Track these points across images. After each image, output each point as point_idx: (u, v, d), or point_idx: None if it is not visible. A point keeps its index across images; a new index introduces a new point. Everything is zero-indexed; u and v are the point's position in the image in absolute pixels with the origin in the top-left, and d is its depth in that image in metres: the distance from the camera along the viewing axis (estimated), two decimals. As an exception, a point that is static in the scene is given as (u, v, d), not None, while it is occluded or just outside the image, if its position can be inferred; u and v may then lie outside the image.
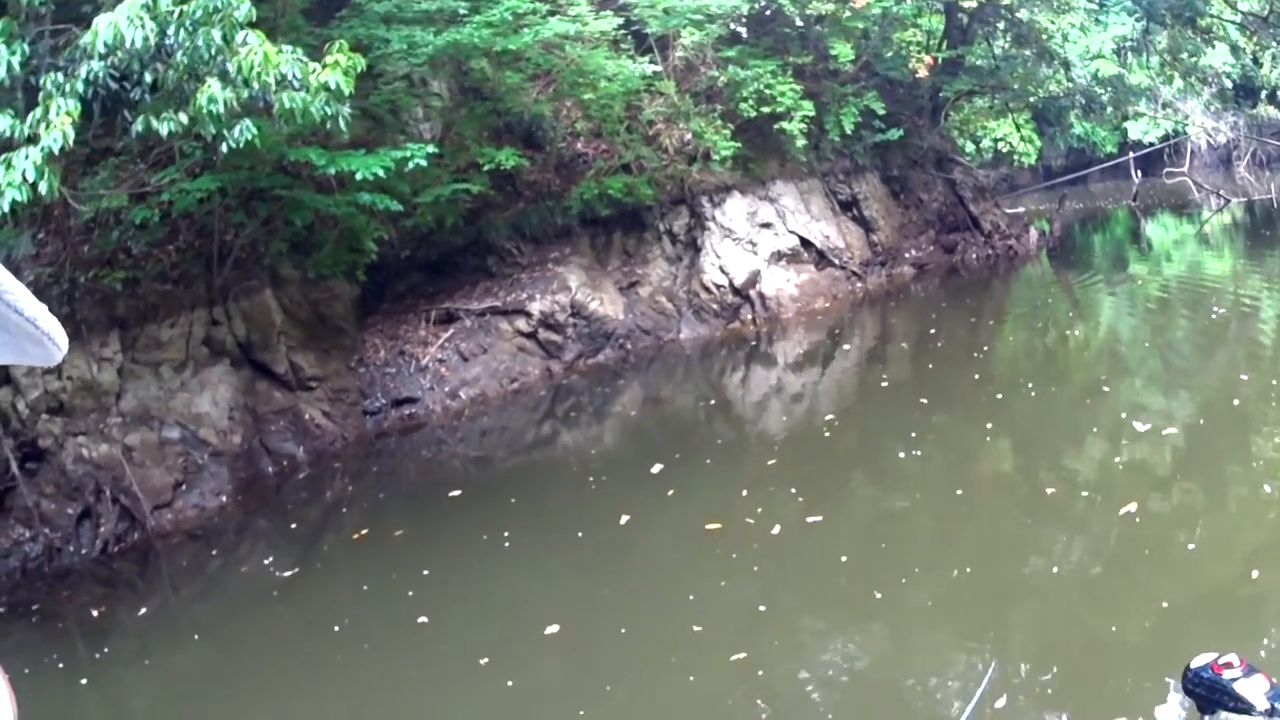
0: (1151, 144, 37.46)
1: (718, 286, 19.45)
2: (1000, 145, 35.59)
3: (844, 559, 9.40)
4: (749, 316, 19.65)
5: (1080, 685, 7.07)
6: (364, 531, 11.70)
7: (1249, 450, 11.35)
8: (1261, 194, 33.15)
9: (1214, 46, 30.93)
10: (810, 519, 10.20)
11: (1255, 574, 8.14)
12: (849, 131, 20.99)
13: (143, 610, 10.50)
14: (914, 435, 12.52)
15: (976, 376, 15.39)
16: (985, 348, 17.71)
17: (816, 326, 19.39)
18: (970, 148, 33.91)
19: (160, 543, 11.95)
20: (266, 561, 11.21)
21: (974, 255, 23.66)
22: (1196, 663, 3.16)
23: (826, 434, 13.62)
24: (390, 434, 15.40)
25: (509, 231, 18.36)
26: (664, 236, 19.85)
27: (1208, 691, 3.09)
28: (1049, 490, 10.63)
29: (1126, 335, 18.92)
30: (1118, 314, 20.57)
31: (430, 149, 14.34)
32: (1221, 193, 33.07)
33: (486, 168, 16.74)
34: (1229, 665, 3.06)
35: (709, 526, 10.04)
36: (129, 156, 13.20)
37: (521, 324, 17.35)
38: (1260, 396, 12.92)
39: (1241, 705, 2.97)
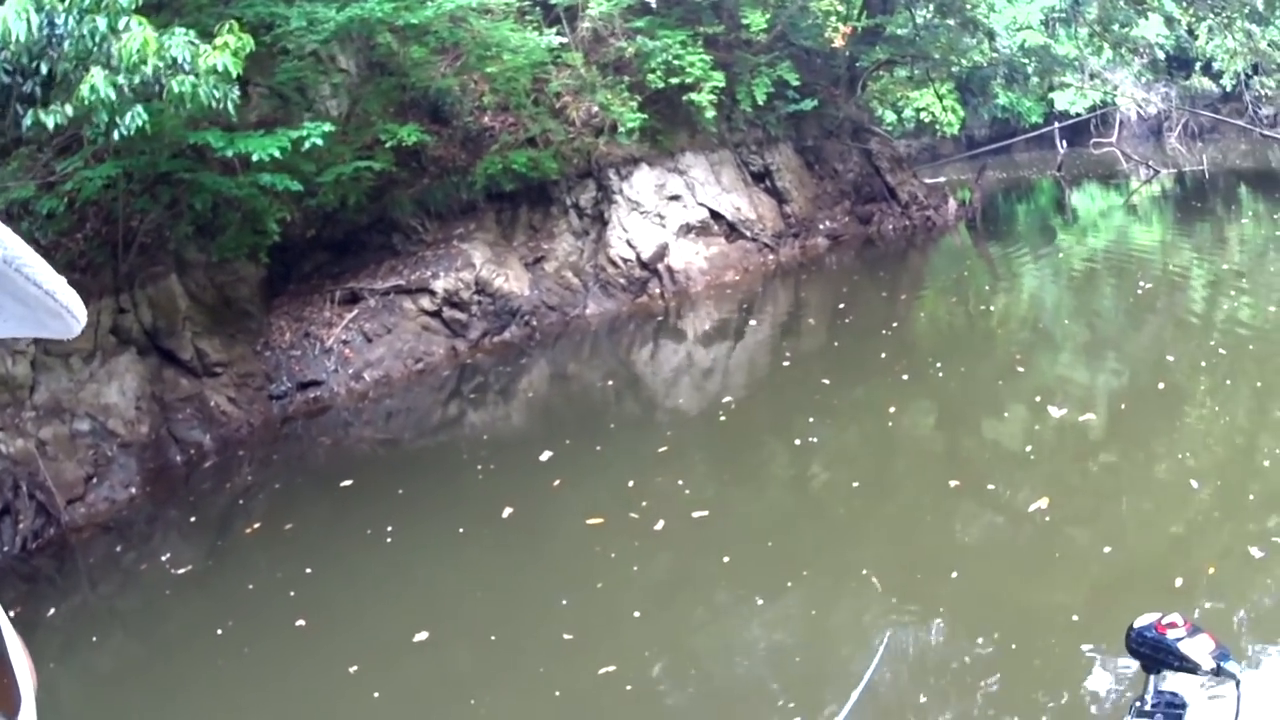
0: (1078, 114, 37.59)
1: (625, 260, 19.43)
2: (922, 115, 35.53)
3: (727, 559, 9.03)
4: (657, 290, 19.62)
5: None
6: (257, 525, 11.71)
7: (1172, 439, 10.78)
8: (1193, 165, 33.27)
9: (1147, 17, 30.63)
10: (696, 514, 9.92)
11: (1179, 581, 7.61)
12: (761, 102, 20.85)
13: (51, 611, 10.36)
14: (812, 420, 12.34)
15: (883, 355, 15.04)
16: (895, 324, 17.25)
17: (725, 300, 19.39)
18: (891, 117, 33.90)
19: (74, 537, 11.86)
20: (164, 558, 11.03)
21: (890, 226, 23.73)
22: (1140, 623, 3.19)
23: (722, 418, 13.39)
24: (296, 418, 15.32)
25: (414, 208, 18.21)
26: (570, 210, 19.76)
27: (1152, 651, 3.12)
28: (952, 483, 10.15)
29: (1045, 310, 18.45)
30: (1037, 287, 20.18)
31: (326, 127, 14.25)
32: (1151, 163, 33.25)
33: (389, 144, 16.61)
34: (1173, 625, 3.09)
35: (590, 521, 9.87)
36: (38, 146, 13.04)
37: (426, 302, 17.26)
38: (1187, 378, 12.59)
39: (1187, 664, 3.02)
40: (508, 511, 10.50)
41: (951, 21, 26.07)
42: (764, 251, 21.29)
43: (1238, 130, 36.63)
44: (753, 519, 10.18)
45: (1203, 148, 35.60)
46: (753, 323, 18.33)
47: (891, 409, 12.52)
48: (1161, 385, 12.33)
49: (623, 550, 9.43)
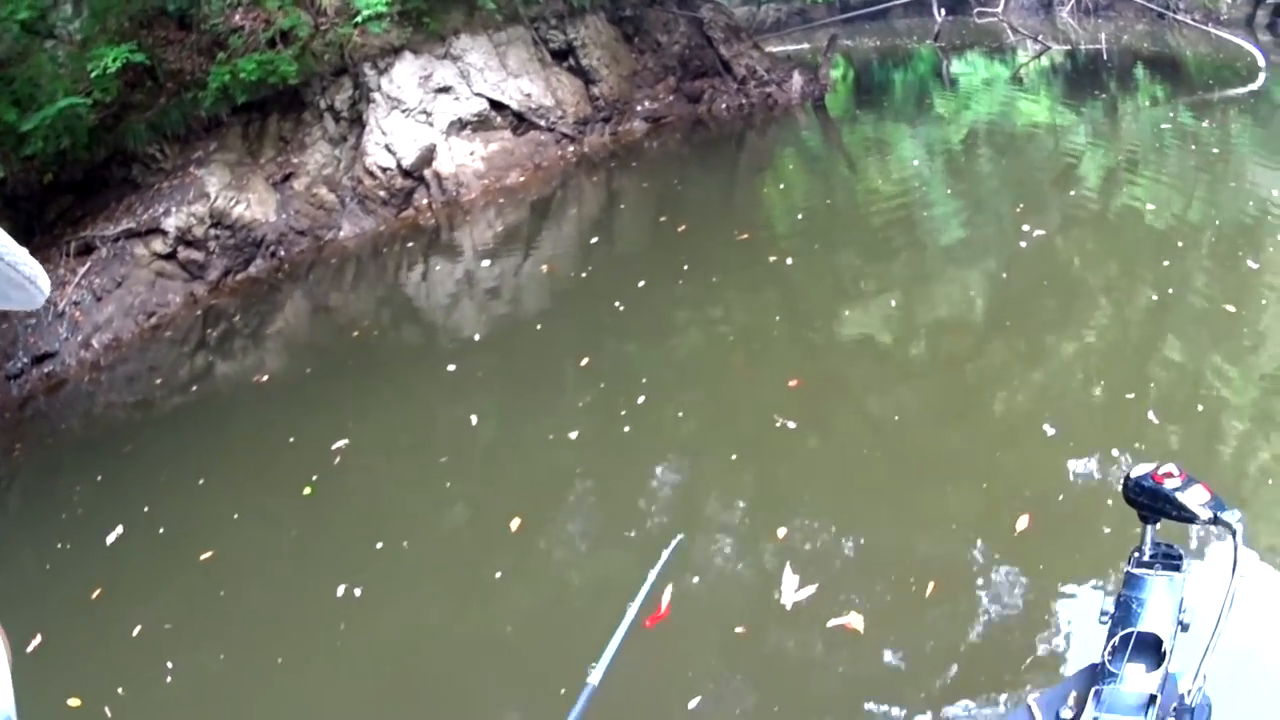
0: (966, -20, 35.09)
1: (384, 170, 17.21)
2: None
3: None
4: (424, 202, 17.48)
5: None
6: None
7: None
8: (1087, 42, 30.82)
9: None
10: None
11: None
12: (552, -34, 18.04)
13: None
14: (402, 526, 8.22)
15: (585, 361, 10.54)
16: (641, 283, 12.49)
17: (503, 211, 17.06)
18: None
19: None
20: None
21: (724, 105, 21.14)
22: (1136, 473, 3.08)
23: (307, 492, 9.09)
24: (36, 398, 13.76)
25: (150, 134, 16.24)
26: (325, 115, 17.46)
27: (1150, 500, 3.03)
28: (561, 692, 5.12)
29: (879, 264, 12.41)
30: (884, 207, 14.90)
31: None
32: (1040, 37, 30.89)
33: (94, 73, 14.78)
34: (1169, 475, 3.01)
35: (71, 702, 7.12)
36: None
37: (158, 245, 15.56)
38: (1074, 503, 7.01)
39: (1185, 514, 2.95)
40: (35, 642, 7.77)
41: None
42: (563, 143, 18.91)
43: (1136, 9, 33.87)
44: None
45: (1099, 24, 33.00)
46: (485, 263, 15.17)
47: (512, 494, 8.34)
48: (1023, 523, 6.47)
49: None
